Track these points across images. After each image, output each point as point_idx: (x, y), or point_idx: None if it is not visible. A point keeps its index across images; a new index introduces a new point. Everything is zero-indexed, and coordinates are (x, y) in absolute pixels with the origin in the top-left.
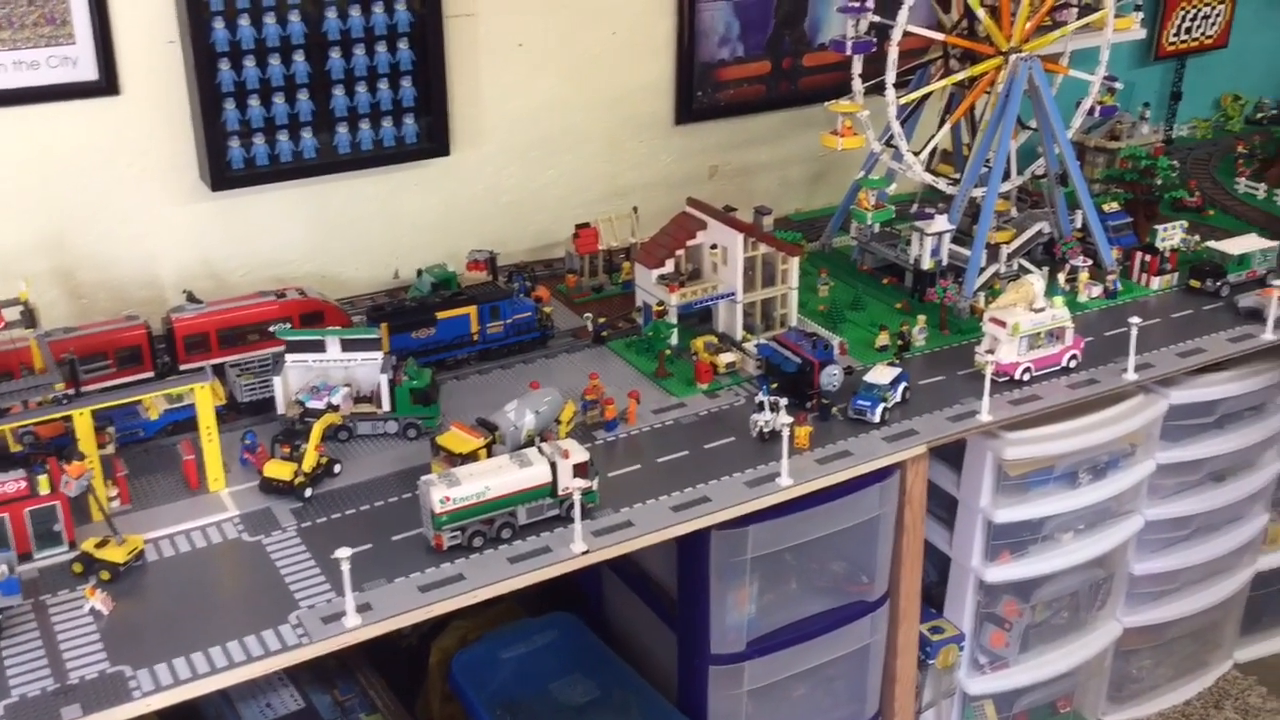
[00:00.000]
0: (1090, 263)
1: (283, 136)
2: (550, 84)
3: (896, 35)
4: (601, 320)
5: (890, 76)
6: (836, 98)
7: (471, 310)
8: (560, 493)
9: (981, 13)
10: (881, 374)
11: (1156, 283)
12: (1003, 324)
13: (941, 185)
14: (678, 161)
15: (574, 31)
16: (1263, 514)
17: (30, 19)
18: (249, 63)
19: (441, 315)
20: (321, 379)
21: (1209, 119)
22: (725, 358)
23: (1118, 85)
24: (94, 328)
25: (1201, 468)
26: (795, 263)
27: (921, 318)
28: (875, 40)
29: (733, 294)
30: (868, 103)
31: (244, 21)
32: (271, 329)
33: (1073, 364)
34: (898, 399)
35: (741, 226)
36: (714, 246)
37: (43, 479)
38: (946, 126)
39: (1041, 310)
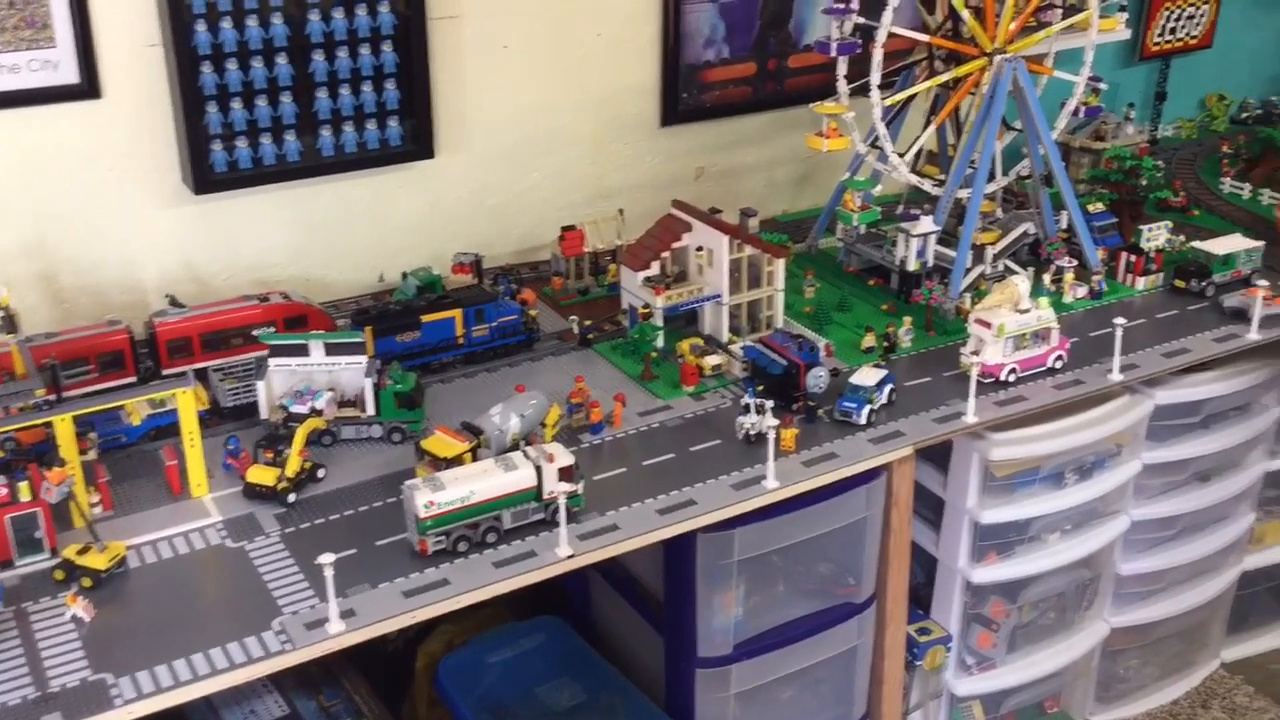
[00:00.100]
0: (1075, 263)
1: (266, 139)
2: (535, 86)
3: (881, 36)
4: (587, 323)
5: (875, 78)
6: (822, 99)
7: (456, 313)
8: (545, 496)
9: (966, 14)
10: (867, 376)
11: (1142, 283)
12: (988, 325)
13: (927, 186)
14: (663, 163)
15: (559, 33)
16: (1248, 513)
17: (10, 22)
18: (231, 65)
19: (426, 319)
20: (305, 383)
21: (1194, 119)
22: (711, 360)
23: (1102, 86)
24: (76, 332)
25: (1187, 468)
26: (781, 264)
27: (907, 319)
28: (860, 42)
29: (718, 296)
30: (853, 104)
31: (226, 24)
32: (255, 333)
33: (1058, 365)
34: (884, 401)
35: (727, 228)
36: (699, 249)
37: (23, 485)
38: (932, 128)
39: (1027, 311)
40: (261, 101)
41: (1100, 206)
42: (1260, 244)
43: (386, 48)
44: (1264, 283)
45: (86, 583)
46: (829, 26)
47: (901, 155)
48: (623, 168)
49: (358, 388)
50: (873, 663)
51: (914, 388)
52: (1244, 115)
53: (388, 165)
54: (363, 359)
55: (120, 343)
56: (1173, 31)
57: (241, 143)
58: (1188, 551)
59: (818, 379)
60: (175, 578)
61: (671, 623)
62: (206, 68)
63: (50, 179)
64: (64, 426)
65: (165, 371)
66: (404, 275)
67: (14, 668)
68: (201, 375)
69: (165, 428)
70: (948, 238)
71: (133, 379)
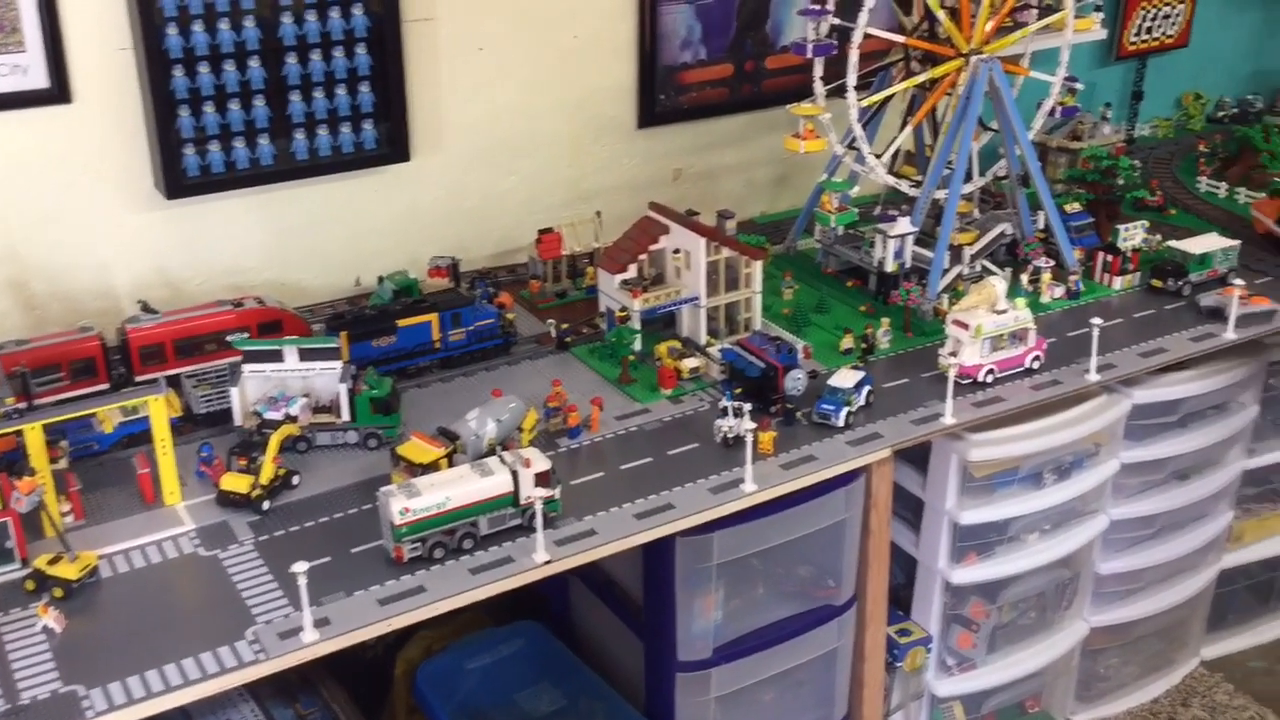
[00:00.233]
0: (1053, 263)
1: (239, 143)
2: (511, 88)
3: (857, 38)
4: (565, 326)
5: (851, 79)
6: (799, 100)
7: (433, 317)
8: (522, 502)
9: (942, 15)
10: (845, 378)
11: (1118, 283)
12: (965, 326)
13: (904, 187)
14: (641, 165)
15: (535, 35)
16: (1227, 512)
17: None
18: (203, 69)
19: (402, 323)
20: (280, 389)
21: (1170, 118)
22: (689, 363)
23: (1078, 86)
24: (47, 340)
25: (1165, 466)
26: (758, 266)
27: (885, 320)
28: (836, 43)
29: (696, 298)
30: (830, 105)
31: (198, 27)
32: (228, 339)
33: (1036, 365)
34: (862, 402)
35: (704, 230)
36: (677, 251)
37: None
38: (908, 129)
39: (1004, 312)
40: (234, 105)
41: (1077, 206)
42: (1236, 243)
43: (360, 50)
44: (1240, 282)
45: (58, 593)
46: (805, 28)
47: (878, 156)
48: (600, 170)
49: (333, 393)
50: (853, 664)
51: (892, 389)
52: (1220, 114)
53: (363, 168)
54: (338, 364)
55: (92, 349)
56: (1149, 31)
57: (214, 146)
58: (1166, 550)
59: (796, 381)
60: (148, 587)
61: (651, 627)
62: (178, 71)
63: (20, 185)
64: (34, 435)
65: (138, 378)
66: (380, 279)
67: None
68: (175, 382)
69: (138, 435)
70: (925, 238)
71: (105, 386)
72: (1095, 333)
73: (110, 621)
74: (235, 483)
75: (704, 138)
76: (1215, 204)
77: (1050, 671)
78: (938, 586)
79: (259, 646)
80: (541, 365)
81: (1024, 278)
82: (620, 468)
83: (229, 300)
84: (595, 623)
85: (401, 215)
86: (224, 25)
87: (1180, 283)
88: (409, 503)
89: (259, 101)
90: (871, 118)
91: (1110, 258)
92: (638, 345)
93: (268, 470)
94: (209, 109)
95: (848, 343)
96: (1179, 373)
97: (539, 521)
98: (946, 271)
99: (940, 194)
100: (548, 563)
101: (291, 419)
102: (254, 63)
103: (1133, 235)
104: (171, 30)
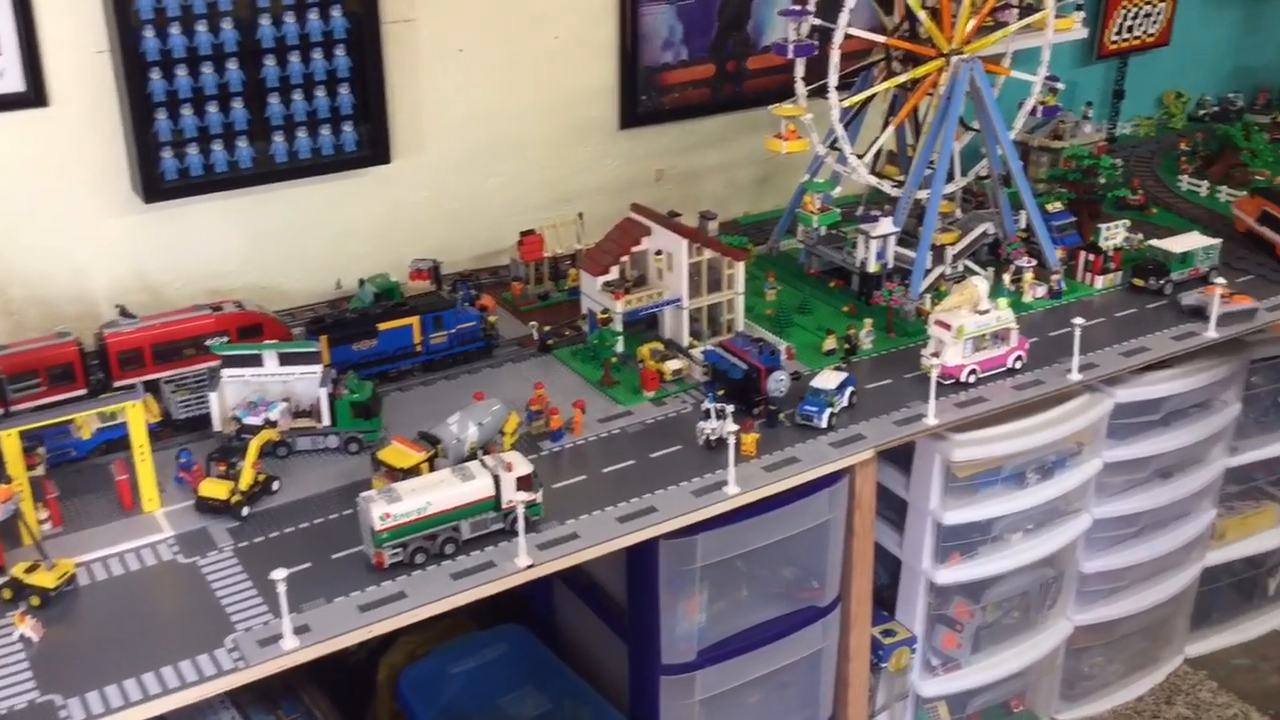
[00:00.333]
0: (1035, 263)
1: (217, 146)
2: (492, 89)
3: (838, 38)
4: (547, 328)
5: (833, 79)
6: (781, 100)
7: (414, 320)
8: (504, 506)
9: (923, 15)
10: (828, 379)
11: (1100, 282)
12: (948, 326)
13: (886, 188)
14: (623, 166)
15: (516, 36)
16: (1210, 509)
17: None
18: (181, 71)
19: (383, 326)
20: (259, 394)
21: (1152, 117)
22: (672, 365)
23: (1059, 85)
24: (24, 345)
25: (1148, 465)
26: (741, 268)
27: (868, 321)
28: (817, 44)
29: (678, 300)
30: (811, 105)
31: (175, 30)
32: (207, 343)
33: (1018, 365)
34: (844, 403)
35: (686, 232)
36: (659, 252)
37: None
38: (890, 129)
39: (986, 312)
40: (212, 108)
41: (1058, 206)
42: (1217, 241)
43: (340, 52)
44: (1221, 280)
45: (35, 601)
46: (786, 28)
47: (860, 157)
48: (582, 171)
49: (313, 398)
50: (838, 666)
51: (875, 390)
52: (1201, 112)
53: (343, 171)
54: (318, 368)
55: (70, 355)
56: (1130, 30)
57: (192, 149)
58: (1150, 549)
59: (778, 383)
60: (126, 595)
61: (635, 630)
62: (155, 74)
63: None
64: (10, 442)
65: (116, 383)
66: (361, 282)
67: None
68: (154, 387)
69: (116, 441)
70: (908, 239)
71: (83, 391)
72: (1077, 332)
73: (88, 630)
74: (214, 489)
75: (686, 138)
76: (1196, 202)
77: (1035, 671)
78: (922, 587)
79: (238, 654)
80: (523, 368)
81: (1006, 277)
82: (603, 471)
83: (208, 304)
84: (579, 626)
85: (382, 218)
86: (202, 27)
87: (1162, 281)
88: (390, 508)
89: (237, 104)
90: (853, 118)
91: (1092, 257)
92: (620, 347)
93: (247, 476)
94: (187, 111)
95: (830, 344)
96: (1161, 371)
97: (521, 525)
98: (929, 272)
99: (922, 194)
100: (530, 567)
101: (271, 424)
102: (232, 65)
103: (1114, 234)
104: (149, 33)
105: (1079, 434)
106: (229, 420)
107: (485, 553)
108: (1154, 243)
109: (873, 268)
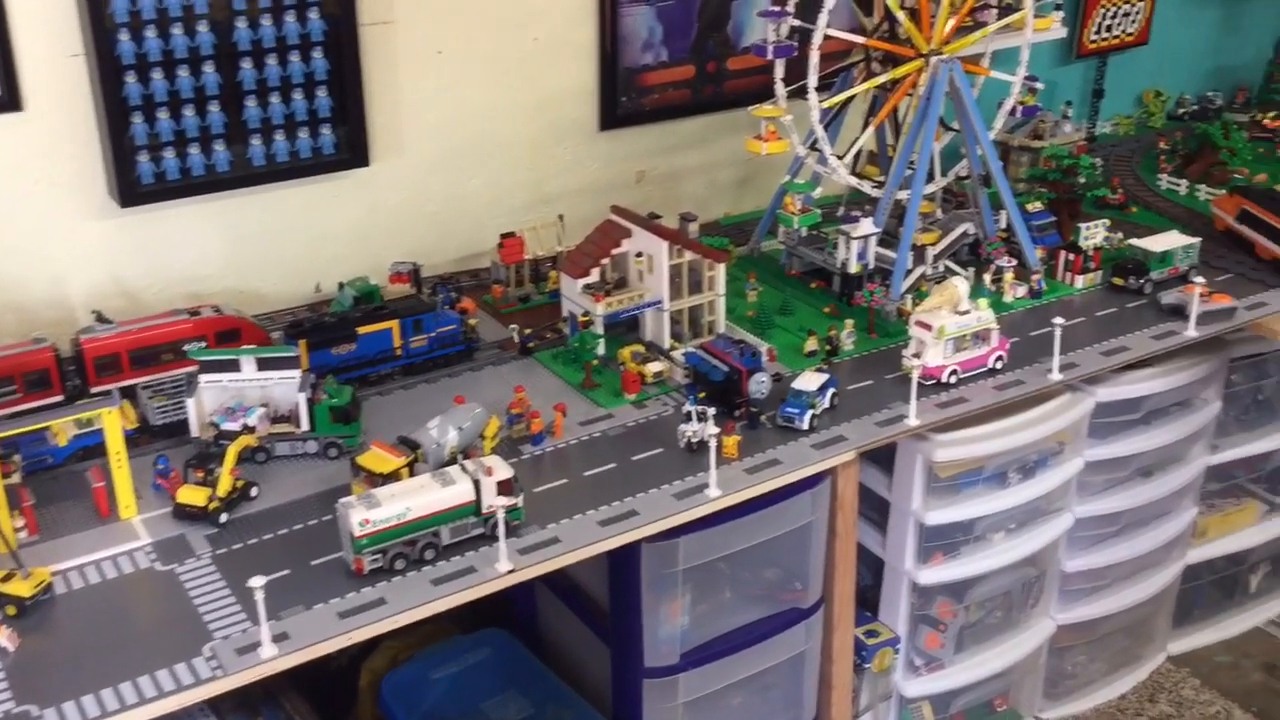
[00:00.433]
0: (1015, 263)
1: (194, 149)
2: (472, 91)
3: (817, 39)
4: (528, 331)
5: (812, 80)
6: (761, 102)
7: (394, 324)
8: (484, 511)
9: (901, 15)
10: (809, 380)
11: (1080, 281)
12: (929, 327)
13: (866, 188)
14: (603, 168)
15: (495, 38)
16: (1191, 508)
17: None
18: (157, 75)
19: (362, 330)
20: (237, 399)
21: (1131, 116)
22: (653, 367)
23: (1039, 85)
24: None
25: (1130, 464)
26: (721, 269)
27: (849, 322)
28: (796, 45)
29: (659, 302)
30: (791, 106)
31: (150, 33)
32: (185, 348)
33: (999, 365)
34: (826, 405)
35: (666, 234)
36: (639, 254)
37: None
38: (870, 129)
39: (967, 313)
40: (189, 111)
41: (1038, 205)
42: (1197, 240)
43: (317, 54)
44: (1201, 279)
45: (10, 611)
46: (766, 29)
47: (841, 157)
48: (562, 173)
49: (292, 403)
50: (821, 667)
51: (856, 391)
52: (1180, 111)
53: (321, 174)
54: (296, 373)
55: (46, 361)
56: (1109, 29)
57: (169, 153)
58: (1132, 547)
59: (760, 385)
60: (103, 603)
61: (617, 633)
62: (131, 77)
63: None
64: None
65: (93, 389)
66: (340, 286)
67: None
68: (131, 393)
69: (93, 448)
70: (888, 239)
71: (59, 398)
72: (1058, 332)
73: (65, 639)
74: (192, 495)
75: (666, 140)
76: (1176, 201)
77: (1018, 670)
78: (904, 587)
79: (216, 663)
80: (504, 371)
81: (987, 277)
82: (584, 474)
83: (185, 309)
84: (562, 629)
85: (361, 220)
86: (177, 30)
87: (1142, 281)
88: (369, 514)
89: (214, 107)
90: (833, 119)
91: (1072, 256)
92: (601, 350)
93: (225, 482)
94: (163, 115)
95: (812, 345)
96: (1141, 370)
97: (501, 530)
98: (909, 272)
99: (903, 194)
100: (511, 572)
101: (249, 429)
102: (208, 68)
103: (1094, 234)
104: (124, 36)
105: (1060, 433)
106: (207, 426)
107: (466, 558)
108: (1134, 242)
109: (854, 268)
